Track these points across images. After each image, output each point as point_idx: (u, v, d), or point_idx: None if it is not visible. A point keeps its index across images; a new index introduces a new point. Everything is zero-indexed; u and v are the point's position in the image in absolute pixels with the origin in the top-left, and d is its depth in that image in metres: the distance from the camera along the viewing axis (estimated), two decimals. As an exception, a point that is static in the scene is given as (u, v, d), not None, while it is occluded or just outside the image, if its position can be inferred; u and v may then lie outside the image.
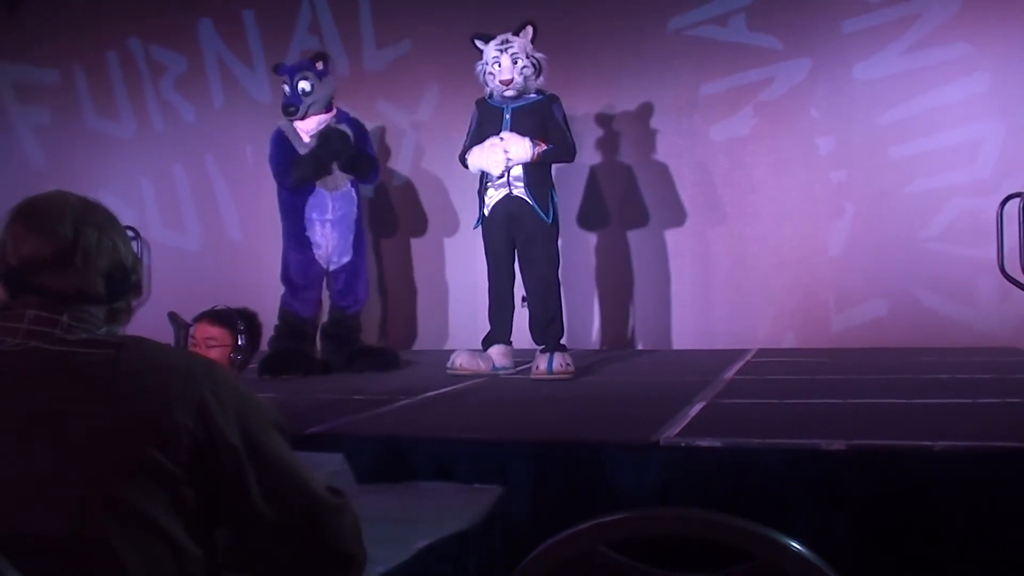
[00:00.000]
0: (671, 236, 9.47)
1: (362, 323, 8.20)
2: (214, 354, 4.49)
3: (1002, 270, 8.20)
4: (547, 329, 7.24)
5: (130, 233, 10.19)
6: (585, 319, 9.50)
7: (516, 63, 7.32)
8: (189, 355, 2.13)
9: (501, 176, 7.23)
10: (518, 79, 7.31)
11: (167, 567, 1.96)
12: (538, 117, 7.35)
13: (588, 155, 9.55)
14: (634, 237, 9.57)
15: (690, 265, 9.42)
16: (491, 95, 7.49)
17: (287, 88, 7.85)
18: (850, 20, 9.12)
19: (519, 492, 4.18)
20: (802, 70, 9.25)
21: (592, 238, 9.56)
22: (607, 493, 4.26)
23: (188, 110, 10.98)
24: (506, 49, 7.34)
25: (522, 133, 7.22)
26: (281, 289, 7.90)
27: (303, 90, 7.78)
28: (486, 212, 7.36)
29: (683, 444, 4.38)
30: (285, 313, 7.84)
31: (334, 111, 7.96)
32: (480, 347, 7.43)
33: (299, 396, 6.16)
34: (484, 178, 7.36)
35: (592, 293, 9.50)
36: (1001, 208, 8.26)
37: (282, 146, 7.92)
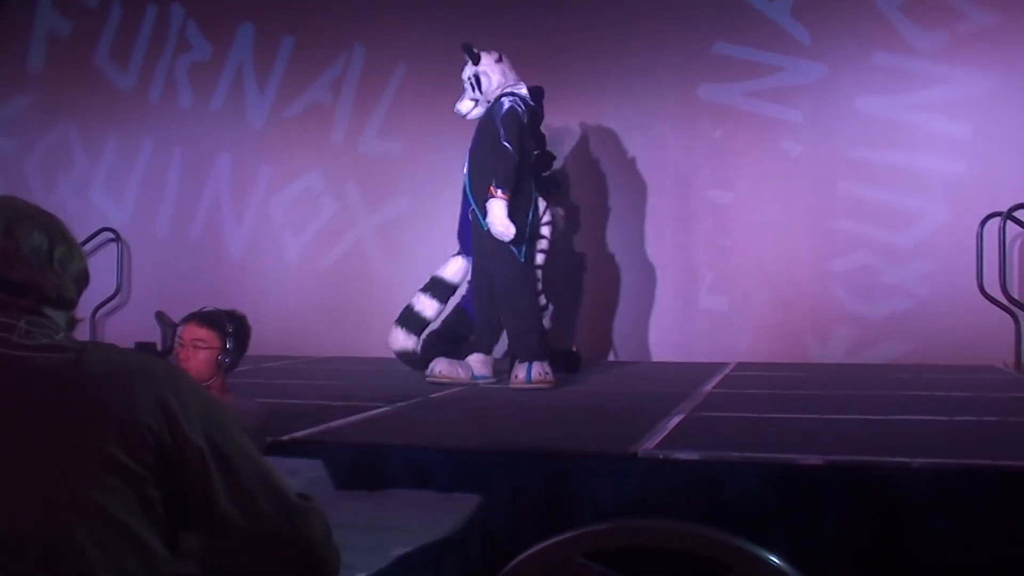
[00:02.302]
0: (651, 248, 9.48)
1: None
2: (202, 356, 4.47)
3: (981, 288, 8.24)
4: (526, 339, 7.24)
5: (110, 235, 10.27)
6: (567, 330, 9.50)
7: (463, 99, 7.76)
8: (150, 358, 2.12)
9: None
10: (468, 103, 7.72)
11: (134, 568, 1.96)
12: (482, 131, 7.52)
13: (568, 164, 9.57)
14: (614, 248, 9.57)
15: (671, 277, 9.42)
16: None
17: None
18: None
19: (498, 501, 4.18)
20: (811, 73, 9.31)
21: (573, 249, 9.56)
22: (585, 504, 4.27)
23: (187, 96, 10.96)
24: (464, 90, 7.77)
25: (475, 151, 7.50)
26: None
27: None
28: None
29: (661, 456, 4.40)
30: None
31: None
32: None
33: (279, 402, 6.15)
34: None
35: (574, 304, 9.48)
36: (981, 227, 8.31)
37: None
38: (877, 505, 4.07)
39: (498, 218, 7.04)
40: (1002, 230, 8.05)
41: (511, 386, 7.05)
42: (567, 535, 1.66)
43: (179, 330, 4.58)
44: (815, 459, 4.22)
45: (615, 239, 9.58)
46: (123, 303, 10.61)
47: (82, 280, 2.18)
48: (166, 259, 10.76)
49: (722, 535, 1.60)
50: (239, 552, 2.13)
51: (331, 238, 10.42)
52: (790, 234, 9.19)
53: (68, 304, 2.14)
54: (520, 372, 7.07)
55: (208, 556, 2.18)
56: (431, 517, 3.25)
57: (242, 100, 10.75)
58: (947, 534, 3.96)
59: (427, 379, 7.19)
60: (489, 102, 7.51)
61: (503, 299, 7.29)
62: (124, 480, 1.94)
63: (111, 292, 10.43)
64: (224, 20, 10.86)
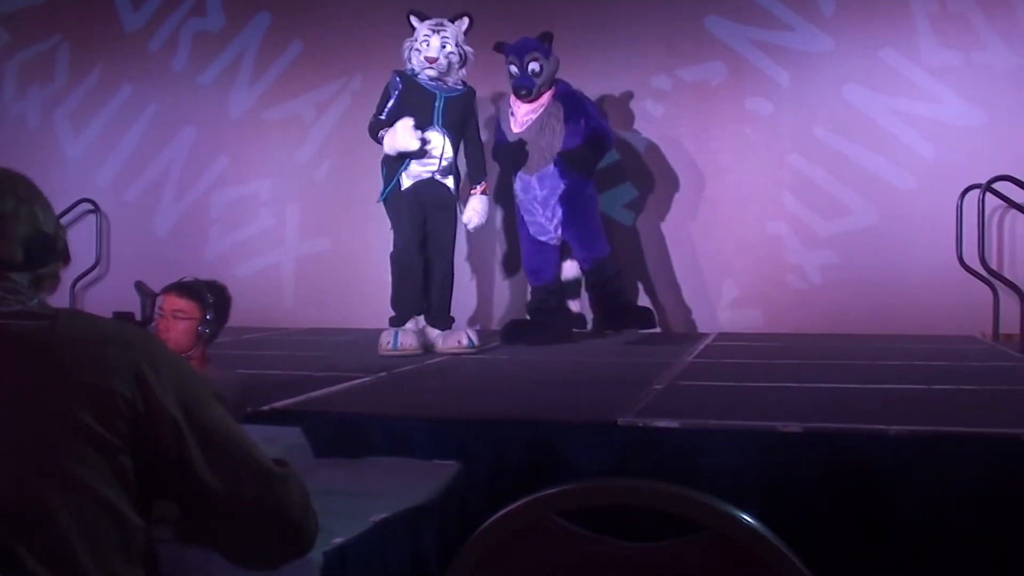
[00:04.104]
0: (633, 220, 9.47)
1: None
2: (181, 326, 4.44)
3: (960, 260, 8.27)
4: (447, 304, 7.67)
5: (88, 206, 10.23)
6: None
7: (444, 47, 7.57)
8: (125, 326, 2.11)
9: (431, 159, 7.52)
10: (442, 61, 7.56)
11: (109, 536, 1.95)
12: (463, 110, 7.71)
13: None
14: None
15: (653, 249, 9.39)
16: (414, 72, 7.63)
17: (515, 69, 7.88)
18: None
19: (478, 469, 4.19)
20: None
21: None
22: (565, 471, 4.28)
23: (182, 61, 10.83)
24: (438, 31, 7.59)
25: (450, 124, 7.59)
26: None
27: (533, 71, 7.84)
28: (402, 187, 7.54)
29: (641, 424, 4.41)
30: None
31: (552, 88, 7.99)
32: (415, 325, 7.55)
33: (259, 373, 6.14)
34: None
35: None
36: (961, 199, 8.33)
37: (498, 127, 8.22)
38: (855, 472, 4.10)
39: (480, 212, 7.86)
40: (981, 202, 8.06)
41: (443, 349, 7.39)
42: (541, 494, 1.66)
43: (159, 300, 4.55)
44: (794, 426, 4.24)
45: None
46: (102, 275, 10.57)
47: (36, 240, 2.12)
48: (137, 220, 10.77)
49: (696, 494, 1.61)
50: (217, 520, 2.13)
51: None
52: (771, 205, 9.18)
53: (18, 266, 2.09)
54: (462, 338, 7.48)
55: (185, 525, 2.19)
56: (410, 484, 3.25)
57: (231, 84, 10.62)
58: (923, 500, 3.99)
59: (384, 353, 7.28)
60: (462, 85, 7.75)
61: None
62: (97, 448, 1.94)
63: (91, 264, 10.40)
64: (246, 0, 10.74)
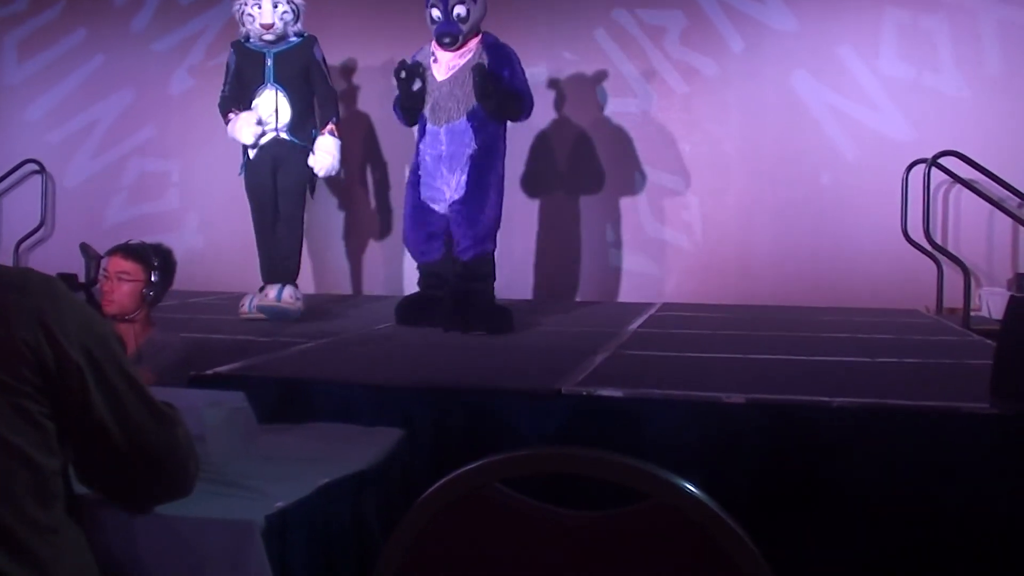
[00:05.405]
0: (581, 191, 9.46)
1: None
2: (125, 288, 4.44)
3: (905, 234, 8.33)
4: (286, 263, 7.38)
5: (34, 166, 10.14)
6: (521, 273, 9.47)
7: (276, 7, 7.33)
8: (26, 272, 2.11)
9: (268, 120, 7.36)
10: (278, 24, 7.34)
11: (22, 480, 1.96)
12: (300, 61, 7.44)
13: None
14: (542, 190, 9.53)
15: (598, 219, 9.42)
16: (247, 37, 7.47)
17: (438, 13, 6.97)
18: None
19: (421, 436, 4.20)
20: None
21: (516, 197, 9.50)
22: (508, 439, 4.30)
23: (142, 23, 10.66)
24: None
25: (287, 79, 7.36)
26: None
27: (459, 15, 6.93)
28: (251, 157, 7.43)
29: (584, 393, 4.42)
30: None
31: (480, 36, 7.11)
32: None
33: (204, 337, 6.11)
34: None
35: (508, 247, 9.44)
36: (906, 173, 8.40)
37: (397, 76, 7.20)
38: (798, 443, 4.13)
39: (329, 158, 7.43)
40: (926, 176, 8.12)
41: (257, 303, 7.28)
42: (485, 461, 1.66)
43: (103, 262, 4.53)
44: (737, 397, 4.26)
45: (544, 183, 9.53)
46: (47, 236, 10.49)
47: None
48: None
49: (639, 463, 1.61)
50: (109, 459, 2.16)
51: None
52: (717, 177, 9.21)
53: None
54: (271, 292, 7.28)
55: (78, 467, 2.20)
56: (353, 450, 3.24)
57: (181, 59, 10.50)
58: (865, 472, 4.03)
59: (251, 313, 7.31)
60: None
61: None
62: (1, 395, 1.93)
63: (35, 224, 10.32)
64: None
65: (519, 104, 7.06)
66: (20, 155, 10.44)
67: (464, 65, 6.99)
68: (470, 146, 6.95)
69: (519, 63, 7.11)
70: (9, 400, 1.94)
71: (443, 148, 6.99)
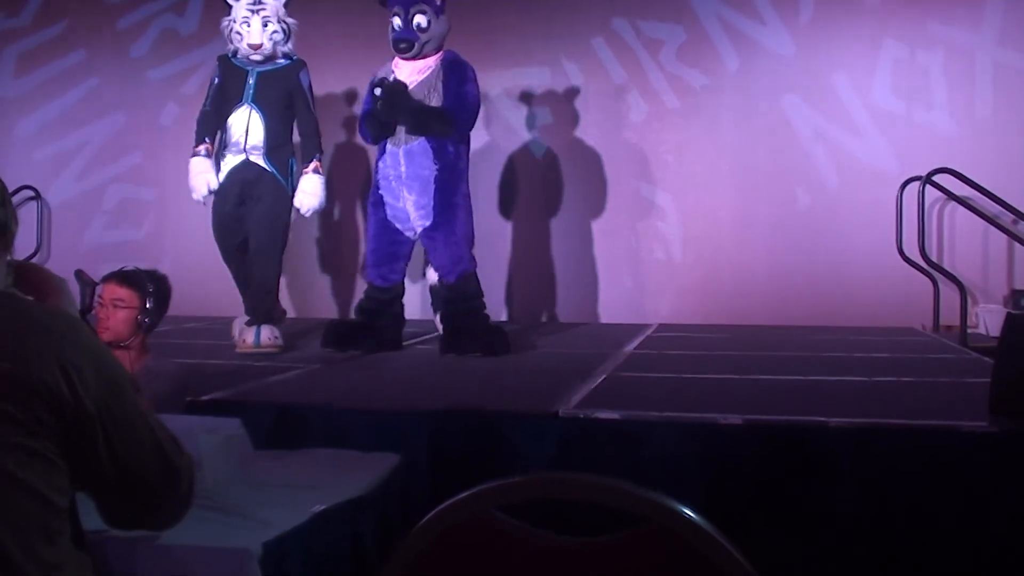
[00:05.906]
0: (575, 213, 9.46)
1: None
2: (121, 315, 4.41)
3: (900, 252, 8.33)
4: (262, 301, 7.12)
5: (30, 193, 10.13)
6: (495, 294, 9.45)
7: (267, 27, 7.16)
8: (50, 311, 2.10)
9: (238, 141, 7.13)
10: (267, 44, 7.15)
11: (30, 517, 1.95)
12: (284, 85, 7.23)
13: (499, 135, 9.58)
14: (538, 213, 9.54)
15: (594, 240, 9.41)
16: (235, 53, 7.28)
17: (399, 22, 6.96)
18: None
19: (418, 460, 4.18)
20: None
21: (496, 216, 9.51)
22: (506, 463, 4.28)
23: (142, 49, 10.71)
24: (258, 11, 7.15)
25: (266, 101, 7.13)
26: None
27: (419, 25, 6.92)
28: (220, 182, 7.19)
29: (582, 415, 4.41)
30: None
31: (441, 54, 7.07)
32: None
33: (199, 362, 6.10)
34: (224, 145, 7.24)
35: (500, 270, 9.44)
36: (901, 192, 8.40)
37: (371, 91, 7.09)
38: (795, 464, 4.11)
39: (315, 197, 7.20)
40: (921, 194, 8.11)
41: (239, 350, 6.96)
42: (483, 487, 1.65)
43: (98, 289, 4.51)
44: (734, 418, 4.25)
45: (539, 206, 9.54)
46: (44, 261, 10.47)
47: None
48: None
49: (638, 489, 1.60)
50: (102, 496, 2.15)
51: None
52: (712, 197, 9.21)
53: None
54: (248, 336, 6.99)
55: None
56: (349, 475, 3.24)
57: (176, 90, 10.48)
58: (862, 492, 4.01)
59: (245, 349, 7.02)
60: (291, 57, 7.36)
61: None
62: (15, 432, 1.93)
63: (31, 251, 10.31)
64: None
65: (441, 120, 6.89)
66: (7, 171, 10.38)
67: (423, 82, 6.92)
68: (431, 169, 6.86)
69: (474, 80, 7.03)
70: (24, 438, 1.93)
71: (402, 169, 6.90)
